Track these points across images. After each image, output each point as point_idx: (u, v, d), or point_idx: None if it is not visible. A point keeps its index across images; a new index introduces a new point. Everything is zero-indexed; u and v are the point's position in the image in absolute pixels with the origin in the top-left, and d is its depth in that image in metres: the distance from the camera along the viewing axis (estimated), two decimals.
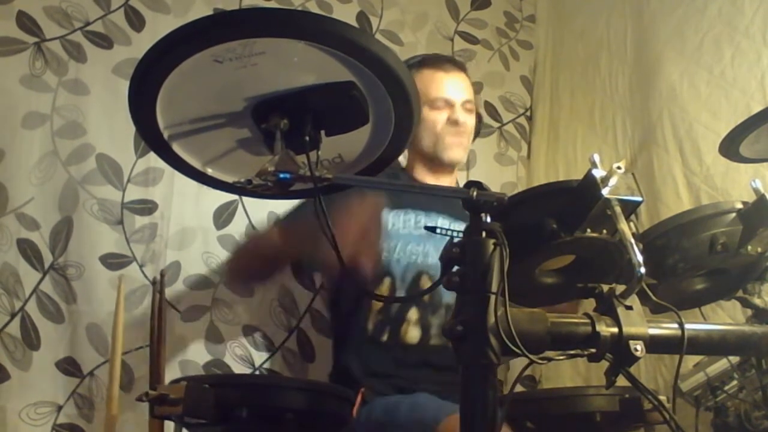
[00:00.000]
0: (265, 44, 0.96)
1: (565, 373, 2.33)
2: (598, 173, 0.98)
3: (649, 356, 1.00)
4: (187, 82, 0.99)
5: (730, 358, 1.44)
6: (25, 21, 2.01)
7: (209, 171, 1.14)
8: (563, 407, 1.46)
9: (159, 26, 2.12)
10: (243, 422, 1.30)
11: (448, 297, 1.66)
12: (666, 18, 2.27)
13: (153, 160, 2.05)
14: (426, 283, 1.78)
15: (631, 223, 0.99)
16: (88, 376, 1.91)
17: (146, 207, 2.05)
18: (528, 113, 2.76)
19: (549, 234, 0.99)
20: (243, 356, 2.08)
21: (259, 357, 2.10)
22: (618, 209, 0.97)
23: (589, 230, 1.00)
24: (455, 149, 1.90)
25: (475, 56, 2.68)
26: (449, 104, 1.89)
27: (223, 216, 2.15)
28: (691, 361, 1.54)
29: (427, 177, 1.92)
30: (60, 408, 1.88)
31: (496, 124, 2.67)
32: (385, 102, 1.04)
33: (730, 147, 1.38)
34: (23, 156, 1.94)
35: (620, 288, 1.00)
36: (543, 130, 2.71)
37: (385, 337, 1.75)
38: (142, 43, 2.08)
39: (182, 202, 2.08)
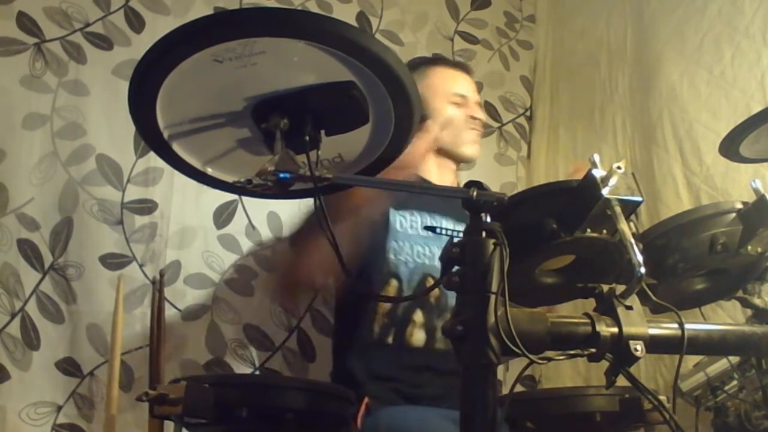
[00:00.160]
0: (265, 44, 0.96)
1: (565, 373, 2.33)
2: (598, 173, 0.98)
3: (649, 356, 1.00)
4: (187, 82, 0.99)
5: (730, 358, 1.44)
6: (25, 22, 2.01)
7: (209, 170, 1.14)
8: (563, 407, 1.46)
9: (159, 27, 2.12)
10: (243, 422, 1.30)
11: (454, 300, 1.65)
12: (666, 18, 2.27)
13: (153, 160, 2.05)
14: None
15: (631, 223, 0.99)
16: (87, 376, 1.91)
17: (146, 207, 2.05)
18: (528, 113, 2.76)
19: (549, 234, 0.99)
20: (244, 355, 2.08)
21: (260, 356, 2.11)
22: (618, 209, 0.97)
23: (589, 230, 1.00)
24: (474, 146, 1.93)
25: (475, 56, 2.68)
26: (466, 101, 1.91)
27: (223, 215, 2.15)
28: (691, 361, 1.54)
29: (433, 172, 1.91)
30: (60, 408, 1.88)
31: (495, 124, 2.67)
32: (385, 102, 1.04)
33: (730, 147, 1.38)
34: (23, 156, 1.94)
35: (620, 288, 1.00)
36: (543, 130, 2.71)
37: (390, 340, 1.74)
38: (142, 44, 2.08)
39: (182, 201, 2.08)
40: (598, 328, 0.97)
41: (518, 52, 2.79)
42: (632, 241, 0.96)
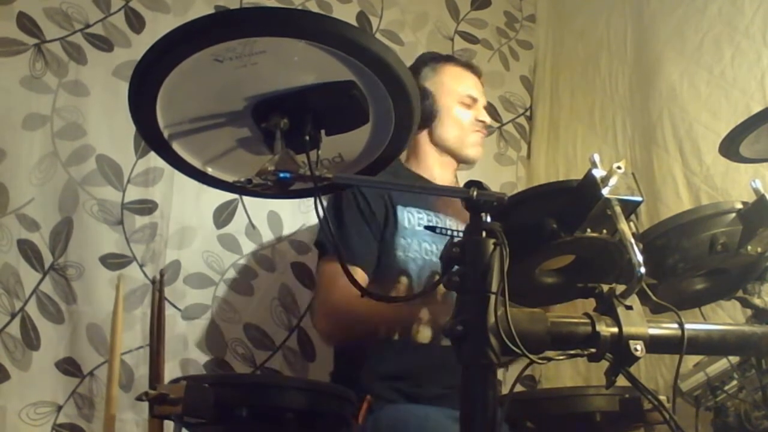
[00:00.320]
0: (266, 43, 0.96)
1: (565, 373, 2.33)
2: (598, 173, 0.98)
3: (649, 356, 1.00)
4: (187, 82, 0.99)
5: (730, 358, 1.44)
6: (25, 22, 2.01)
7: (209, 170, 1.14)
8: (563, 407, 1.46)
9: (159, 28, 2.12)
10: (243, 422, 1.30)
11: None
12: (666, 18, 2.27)
13: (153, 160, 2.05)
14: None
15: (631, 223, 0.99)
16: (87, 376, 1.91)
17: (146, 207, 2.05)
18: (528, 113, 2.76)
19: (549, 234, 0.99)
20: (244, 355, 2.08)
21: (260, 356, 2.11)
22: (618, 209, 0.97)
23: (589, 230, 1.00)
24: (477, 148, 1.94)
25: (475, 56, 2.67)
26: (475, 103, 1.91)
27: (223, 215, 2.15)
28: (691, 361, 1.54)
29: (435, 170, 1.92)
30: (60, 408, 1.88)
31: (495, 124, 2.66)
32: (385, 102, 1.04)
33: (730, 147, 1.38)
34: (23, 157, 1.94)
35: (620, 288, 1.01)
36: (543, 130, 2.71)
37: (396, 336, 1.74)
38: (142, 45, 2.07)
39: (182, 201, 2.08)
40: (598, 328, 0.97)
41: (518, 52, 2.80)
42: (632, 241, 0.96)
